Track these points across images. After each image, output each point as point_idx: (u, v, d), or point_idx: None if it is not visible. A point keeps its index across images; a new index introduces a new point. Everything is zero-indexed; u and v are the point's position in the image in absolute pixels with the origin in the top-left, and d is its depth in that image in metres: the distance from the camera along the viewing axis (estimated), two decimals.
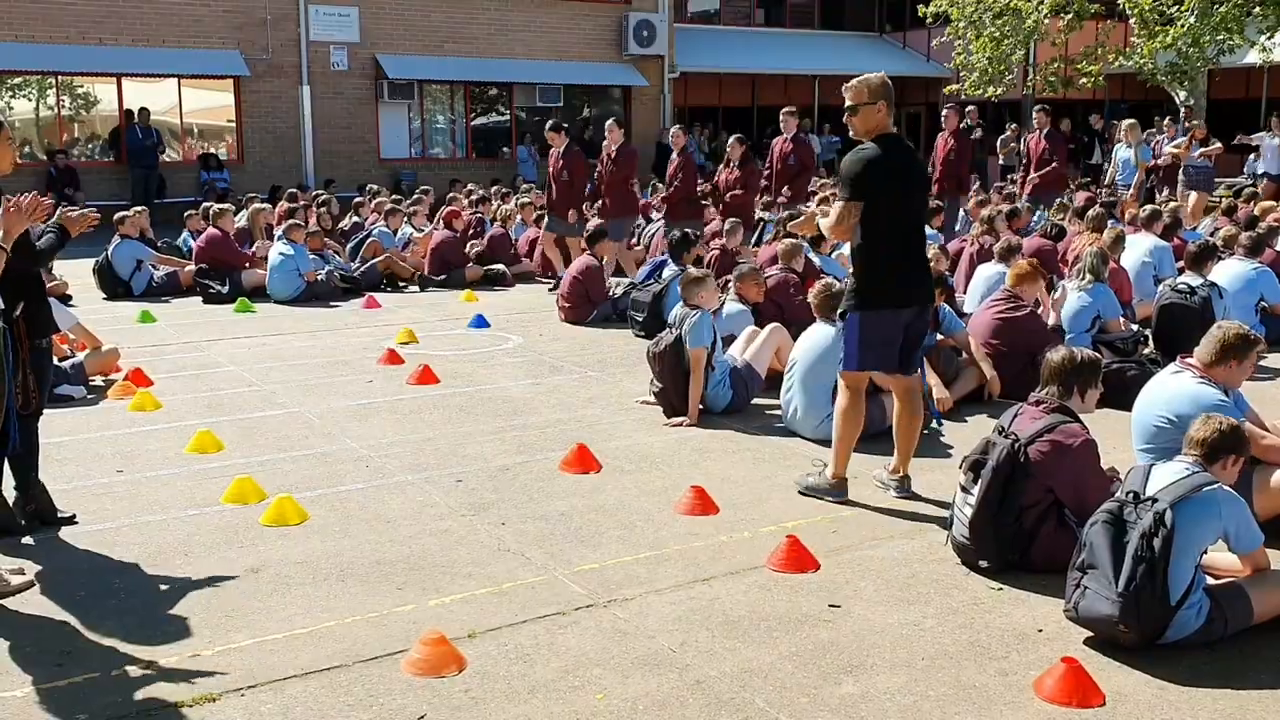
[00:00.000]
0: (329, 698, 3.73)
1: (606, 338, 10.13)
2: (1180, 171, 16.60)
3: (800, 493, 5.78)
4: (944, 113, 14.76)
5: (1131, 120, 16.65)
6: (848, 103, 5.50)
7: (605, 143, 12.84)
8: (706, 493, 5.58)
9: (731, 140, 13.41)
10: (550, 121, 13.29)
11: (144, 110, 20.55)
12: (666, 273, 10.17)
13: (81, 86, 21.47)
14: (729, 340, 7.83)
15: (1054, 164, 14.74)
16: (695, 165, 13.51)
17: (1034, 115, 15.11)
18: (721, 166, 13.85)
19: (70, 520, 5.30)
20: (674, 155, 13.17)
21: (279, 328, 10.64)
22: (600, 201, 13.47)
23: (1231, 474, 4.27)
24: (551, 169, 12.76)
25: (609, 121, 13.13)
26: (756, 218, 14.43)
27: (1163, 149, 17.44)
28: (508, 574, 4.76)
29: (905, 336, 5.50)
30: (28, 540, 5.11)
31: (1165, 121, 19.14)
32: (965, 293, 10.20)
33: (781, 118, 13.69)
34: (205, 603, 4.47)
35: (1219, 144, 17.35)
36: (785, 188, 13.51)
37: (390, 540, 5.15)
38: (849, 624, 4.30)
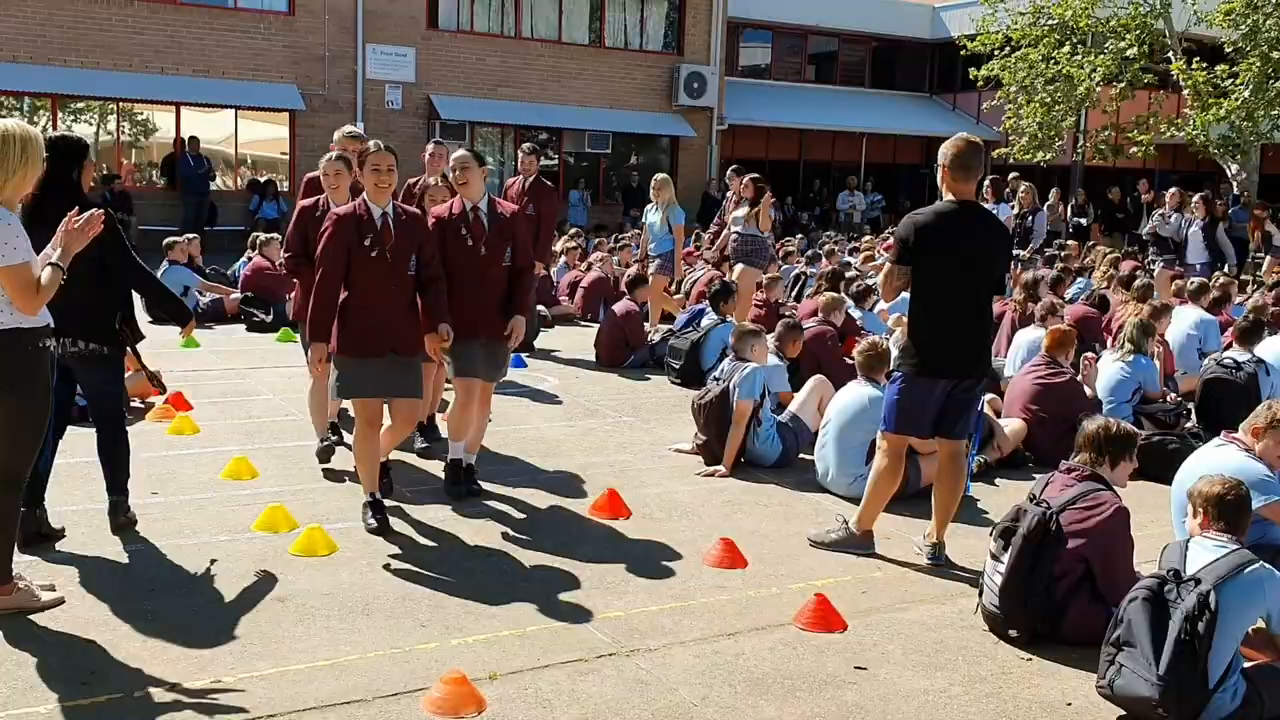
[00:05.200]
0: None
1: (642, 384, 10.14)
2: (731, 241, 12.69)
3: (816, 546, 5.75)
4: (521, 156, 10.66)
5: (662, 175, 12.78)
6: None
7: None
8: (736, 546, 5.54)
9: None
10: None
11: (194, 139, 20.92)
12: (705, 321, 10.18)
13: (141, 114, 21.94)
14: None
15: None
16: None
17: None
18: None
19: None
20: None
21: None
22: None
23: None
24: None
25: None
26: (796, 272, 14.42)
27: (730, 212, 13.05)
28: (531, 617, 4.74)
29: (945, 404, 5.41)
30: (61, 554, 5.15)
31: (730, 171, 13.41)
32: (1005, 356, 10.13)
33: (521, 159, 10.57)
34: (230, 629, 4.49)
35: (770, 209, 12.38)
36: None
37: (416, 576, 5.15)
38: (874, 687, 4.24)
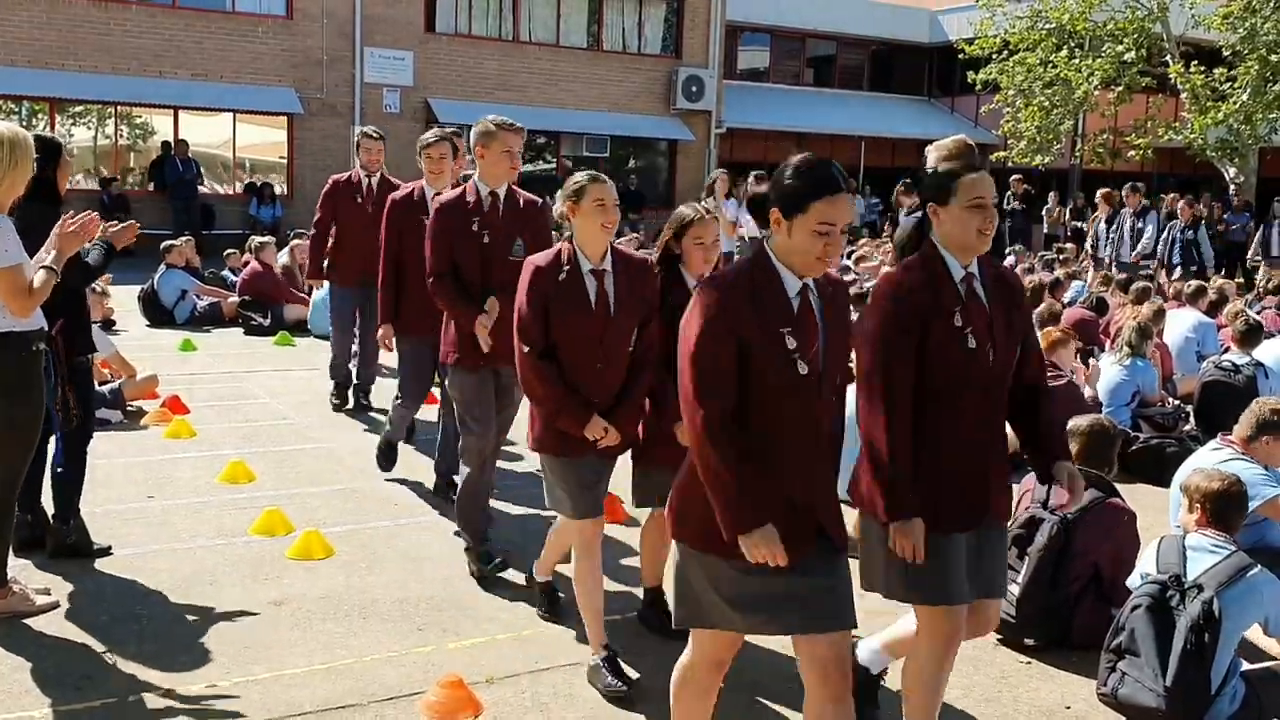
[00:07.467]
0: None
1: None
2: None
3: None
4: (364, 141, 8.31)
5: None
6: None
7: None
8: None
9: None
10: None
11: (182, 142, 20.81)
12: None
13: (139, 118, 21.91)
14: None
15: None
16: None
17: None
18: None
19: (105, 551, 5.29)
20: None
21: (317, 362, 10.70)
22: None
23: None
24: None
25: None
26: None
27: None
28: (529, 621, 4.73)
29: None
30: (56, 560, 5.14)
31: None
32: None
33: (366, 147, 8.28)
34: (226, 633, 4.47)
35: None
36: None
37: (414, 580, 5.14)
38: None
